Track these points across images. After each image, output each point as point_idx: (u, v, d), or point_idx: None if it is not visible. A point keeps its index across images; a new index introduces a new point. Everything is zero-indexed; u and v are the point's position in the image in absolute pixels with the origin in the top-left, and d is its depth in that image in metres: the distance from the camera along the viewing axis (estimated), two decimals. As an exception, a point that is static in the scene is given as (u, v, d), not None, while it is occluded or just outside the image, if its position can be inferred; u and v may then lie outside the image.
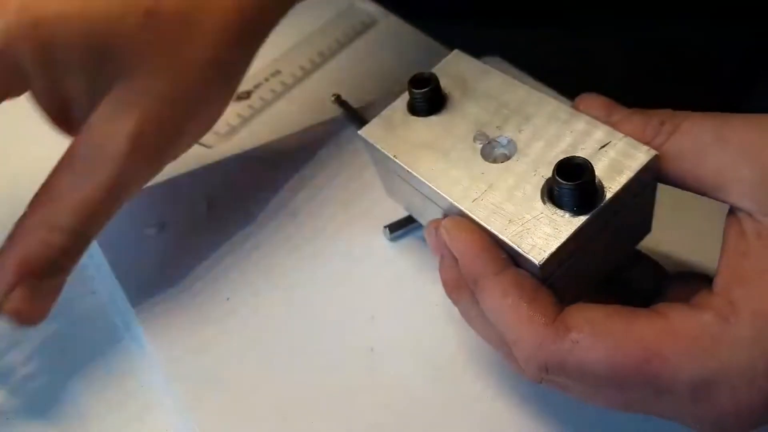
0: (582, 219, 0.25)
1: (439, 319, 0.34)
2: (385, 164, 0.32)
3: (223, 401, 0.31)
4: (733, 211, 0.26)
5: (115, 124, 0.30)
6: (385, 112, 0.32)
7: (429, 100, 0.30)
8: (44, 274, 0.30)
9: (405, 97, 0.31)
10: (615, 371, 0.24)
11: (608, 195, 0.25)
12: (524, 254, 0.25)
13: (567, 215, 0.26)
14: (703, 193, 0.26)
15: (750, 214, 0.25)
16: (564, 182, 0.25)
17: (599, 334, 0.24)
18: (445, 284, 0.29)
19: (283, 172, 0.42)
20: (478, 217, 0.27)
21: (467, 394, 0.31)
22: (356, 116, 0.45)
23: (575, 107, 0.29)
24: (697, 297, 0.25)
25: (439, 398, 0.31)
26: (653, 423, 0.26)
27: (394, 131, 0.31)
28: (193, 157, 0.45)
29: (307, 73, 0.52)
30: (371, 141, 0.31)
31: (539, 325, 0.25)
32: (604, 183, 0.26)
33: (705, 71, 0.52)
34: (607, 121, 0.28)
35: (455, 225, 0.28)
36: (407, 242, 0.38)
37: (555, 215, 0.26)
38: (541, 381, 0.26)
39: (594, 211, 0.25)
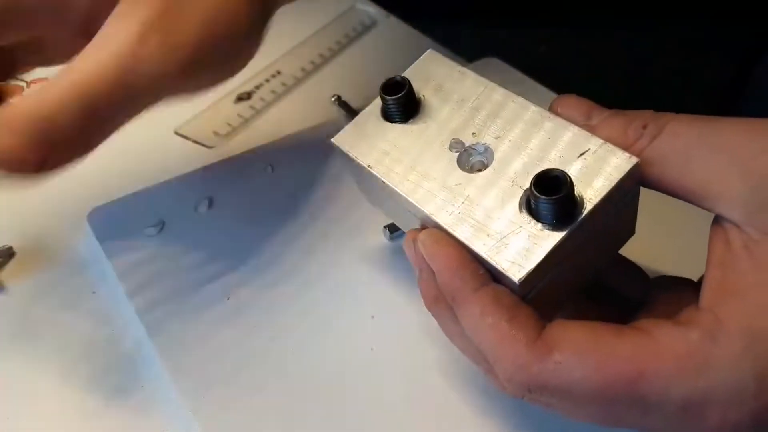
0: (562, 234, 0.25)
1: (439, 319, 0.34)
2: (360, 173, 0.30)
3: (224, 401, 0.31)
4: (718, 221, 0.25)
5: (129, 14, 0.28)
6: (357, 119, 0.30)
7: (402, 106, 0.29)
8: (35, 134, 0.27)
9: (378, 102, 0.30)
10: (600, 392, 0.23)
11: (588, 207, 0.25)
12: (503, 271, 0.25)
13: (546, 229, 0.25)
14: (687, 200, 0.25)
15: (737, 225, 0.24)
16: (542, 196, 0.24)
17: (583, 355, 0.23)
18: (424, 298, 0.28)
19: (283, 172, 0.42)
20: (455, 231, 0.26)
21: (468, 394, 0.31)
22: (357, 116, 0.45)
23: (553, 109, 0.28)
24: (684, 313, 0.24)
25: (439, 397, 0.31)
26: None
27: (368, 139, 0.30)
28: (193, 157, 0.45)
29: (307, 74, 0.52)
30: (345, 149, 0.30)
31: (520, 345, 0.24)
32: (583, 194, 0.25)
33: (705, 71, 0.52)
34: (586, 124, 0.27)
35: (432, 239, 0.27)
36: (407, 242, 0.38)
37: (534, 229, 0.25)
38: (523, 398, 0.25)
39: (574, 225, 0.25)
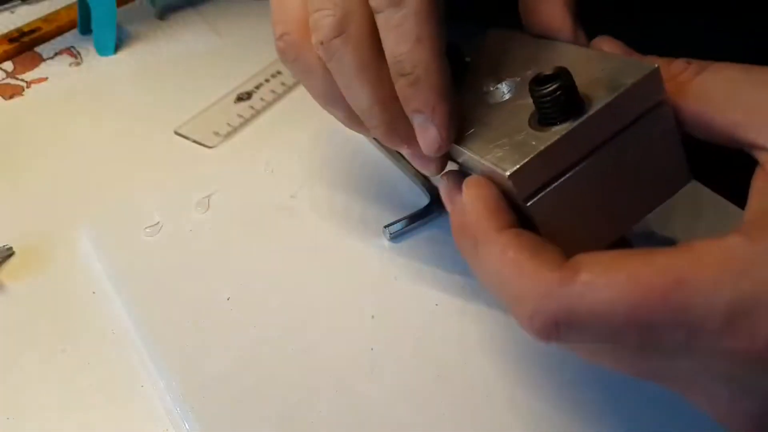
0: (564, 130, 0.23)
1: (439, 319, 0.34)
2: None
3: (224, 400, 0.31)
4: (760, 160, 0.24)
5: None
6: None
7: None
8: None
9: None
10: (636, 309, 0.20)
11: (597, 105, 0.23)
12: (494, 168, 0.24)
13: (549, 130, 0.24)
14: (728, 138, 0.24)
15: None
16: (538, 88, 0.24)
17: (612, 271, 0.21)
18: (454, 230, 0.28)
19: (283, 172, 0.42)
20: (466, 148, 0.26)
21: (467, 394, 0.31)
22: (356, 117, 0.45)
23: (592, 47, 0.28)
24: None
25: (438, 398, 0.31)
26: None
27: None
28: (193, 157, 0.45)
29: (307, 74, 0.52)
30: None
31: (544, 273, 0.22)
32: (596, 96, 0.24)
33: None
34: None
35: (471, 181, 0.27)
36: (407, 242, 0.38)
37: (538, 133, 0.24)
38: (551, 340, 0.23)
39: (578, 122, 0.23)
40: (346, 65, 0.28)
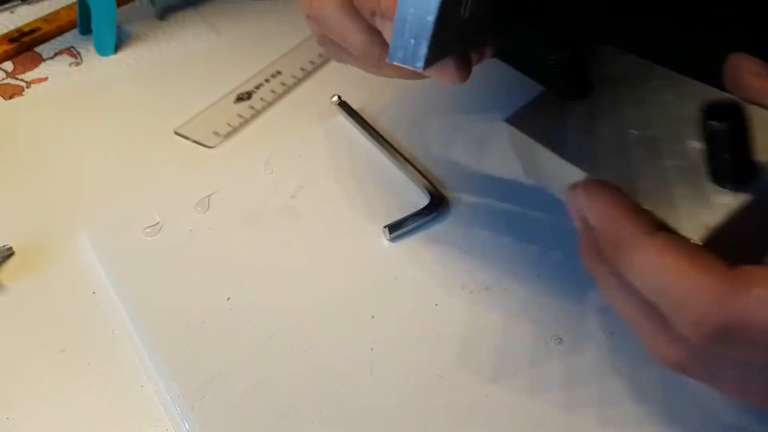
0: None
1: (439, 319, 0.34)
2: None
3: (224, 400, 0.31)
4: None
5: None
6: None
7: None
8: None
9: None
10: None
11: None
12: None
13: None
14: None
15: None
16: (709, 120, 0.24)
17: None
18: (582, 252, 0.27)
19: (283, 172, 0.42)
20: None
21: (466, 394, 0.31)
22: (357, 117, 0.45)
23: (730, 63, 0.28)
24: None
25: (438, 398, 0.31)
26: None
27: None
28: (193, 157, 0.45)
29: (307, 74, 0.52)
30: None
31: (714, 278, 0.21)
32: None
33: (706, 74, 0.51)
34: (762, 76, 0.26)
35: (594, 186, 0.26)
36: (407, 242, 0.38)
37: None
38: (685, 369, 0.23)
39: None
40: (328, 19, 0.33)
